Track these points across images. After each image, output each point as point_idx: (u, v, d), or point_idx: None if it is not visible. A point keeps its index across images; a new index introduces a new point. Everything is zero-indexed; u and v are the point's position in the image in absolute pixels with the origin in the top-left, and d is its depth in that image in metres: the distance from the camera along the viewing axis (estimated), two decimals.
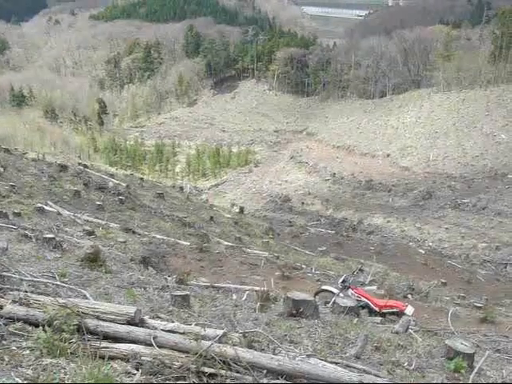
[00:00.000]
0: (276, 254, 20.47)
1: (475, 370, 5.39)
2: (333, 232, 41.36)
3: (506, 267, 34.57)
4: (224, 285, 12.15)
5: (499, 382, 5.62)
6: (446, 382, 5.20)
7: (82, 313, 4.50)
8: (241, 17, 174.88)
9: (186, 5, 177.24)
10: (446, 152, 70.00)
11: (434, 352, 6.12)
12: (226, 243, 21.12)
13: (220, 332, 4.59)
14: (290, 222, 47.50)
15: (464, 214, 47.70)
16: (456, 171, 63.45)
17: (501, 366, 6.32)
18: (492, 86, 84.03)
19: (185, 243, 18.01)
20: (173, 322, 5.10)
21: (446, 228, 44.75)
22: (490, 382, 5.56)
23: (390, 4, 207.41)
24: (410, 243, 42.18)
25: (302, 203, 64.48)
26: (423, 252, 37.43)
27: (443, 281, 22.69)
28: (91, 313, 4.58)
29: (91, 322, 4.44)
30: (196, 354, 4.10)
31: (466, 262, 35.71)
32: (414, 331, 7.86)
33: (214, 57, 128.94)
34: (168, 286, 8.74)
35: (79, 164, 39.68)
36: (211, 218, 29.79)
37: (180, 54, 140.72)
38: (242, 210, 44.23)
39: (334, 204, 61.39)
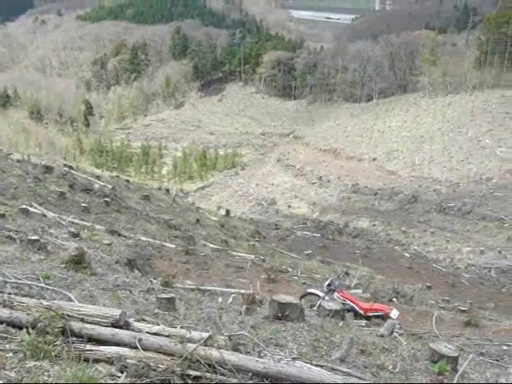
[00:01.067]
0: (262, 257, 20.50)
1: (459, 373, 5.43)
2: (319, 235, 41.48)
3: (490, 271, 34.88)
4: (210, 287, 12.10)
5: None
6: None
7: (67, 315, 4.47)
8: (228, 19, 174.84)
9: (173, 7, 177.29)
10: (432, 156, 70.40)
11: (419, 355, 6.15)
12: (211, 246, 21.12)
13: (205, 335, 4.58)
14: (276, 224, 47.57)
15: (449, 217, 48.08)
16: (441, 175, 63.81)
17: (484, 368, 6.38)
18: (477, 91, 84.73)
19: (170, 246, 17.96)
20: (158, 324, 5.08)
21: (431, 232, 45.11)
22: None
23: (376, 9, 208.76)
24: (396, 247, 42.48)
25: (289, 206, 64.74)
26: (408, 256, 37.72)
27: (428, 284, 22.90)
28: (76, 315, 4.55)
29: (76, 325, 4.41)
30: (181, 356, 4.09)
31: (451, 266, 36.07)
32: (399, 334, 7.89)
33: (201, 59, 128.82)
34: (153, 288, 8.69)
35: (65, 165, 39.31)
36: (197, 220, 29.75)
37: (167, 56, 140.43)
38: (228, 212, 44.18)
39: (320, 207, 61.68)
